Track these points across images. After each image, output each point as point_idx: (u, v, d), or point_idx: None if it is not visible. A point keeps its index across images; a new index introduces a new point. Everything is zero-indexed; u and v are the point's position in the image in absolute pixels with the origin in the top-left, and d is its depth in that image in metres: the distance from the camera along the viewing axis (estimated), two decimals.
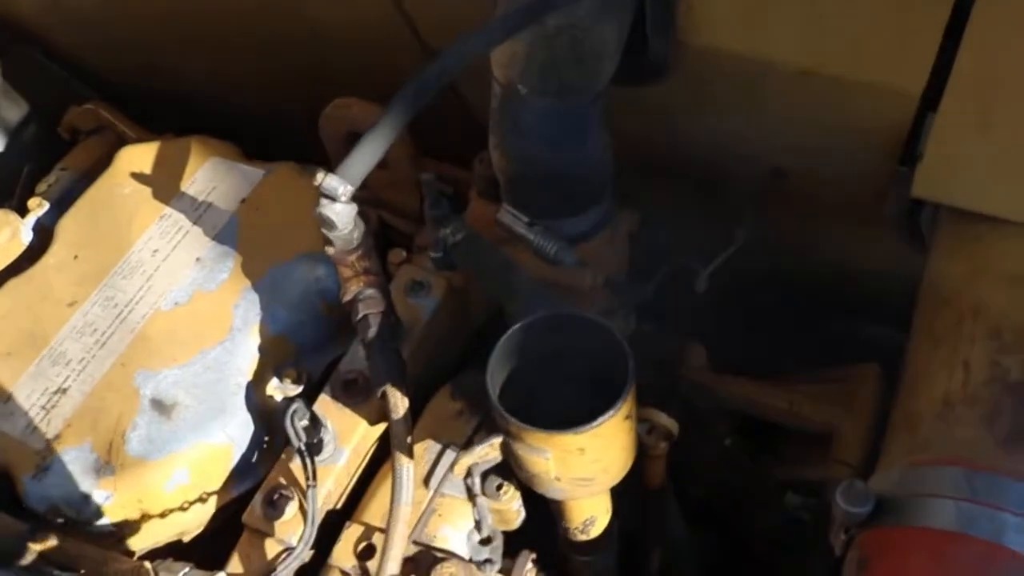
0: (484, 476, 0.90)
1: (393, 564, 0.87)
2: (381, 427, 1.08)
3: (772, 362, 1.49)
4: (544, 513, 1.06)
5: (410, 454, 0.93)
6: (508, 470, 1.00)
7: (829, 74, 0.98)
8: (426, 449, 1.03)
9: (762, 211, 1.26)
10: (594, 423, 0.77)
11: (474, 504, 0.90)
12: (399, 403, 0.94)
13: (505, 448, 0.83)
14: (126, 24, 1.63)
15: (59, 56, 1.83)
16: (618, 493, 1.02)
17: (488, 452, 0.84)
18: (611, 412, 0.77)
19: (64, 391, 1.07)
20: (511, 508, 1.01)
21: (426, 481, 1.01)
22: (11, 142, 1.77)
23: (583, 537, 1.01)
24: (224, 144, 1.29)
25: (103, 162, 1.42)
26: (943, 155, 0.99)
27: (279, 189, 1.22)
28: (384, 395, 0.95)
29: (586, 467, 0.82)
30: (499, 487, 0.99)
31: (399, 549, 0.88)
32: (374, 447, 1.09)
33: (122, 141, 1.55)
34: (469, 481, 0.88)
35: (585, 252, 1.16)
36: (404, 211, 1.38)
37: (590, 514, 0.97)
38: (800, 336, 1.53)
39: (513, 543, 1.03)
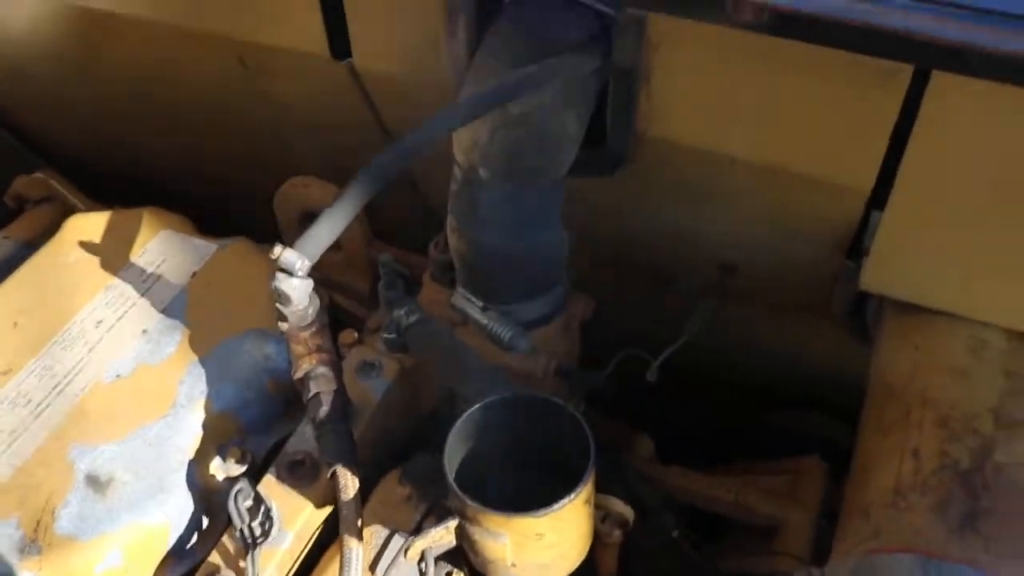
0: (436, 561, 0.87)
1: None
2: (327, 511, 1.04)
3: (718, 454, 1.49)
4: None
5: (359, 536, 0.90)
6: (458, 557, 0.98)
7: (782, 170, 1.01)
8: (373, 534, 0.99)
9: (712, 305, 1.28)
10: (555, 506, 0.75)
11: None
12: (349, 483, 0.92)
13: (460, 532, 0.81)
14: (85, 98, 1.62)
15: (13, 125, 1.81)
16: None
17: (443, 536, 0.81)
18: (572, 495, 0.76)
19: None
20: None
21: (372, 567, 0.97)
22: None
23: None
24: (177, 217, 1.27)
25: (49, 232, 1.39)
26: (889, 250, 1.02)
27: (232, 265, 1.20)
28: (334, 475, 0.93)
29: (543, 553, 0.80)
30: (448, 574, 0.97)
31: None
32: (318, 531, 1.05)
33: (70, 212, 1.52)
34: (422, 565, 0.85)
35: (538, 338, 1.16)
36: (356, 293, 1.38)
37: None
38: (746, 428, 1.54)
39: None
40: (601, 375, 1.22)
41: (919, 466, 0.94)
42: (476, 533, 0.78)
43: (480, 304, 1.11)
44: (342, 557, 0.88)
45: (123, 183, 1.63)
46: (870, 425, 1.02)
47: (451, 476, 0.77)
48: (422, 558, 0.83)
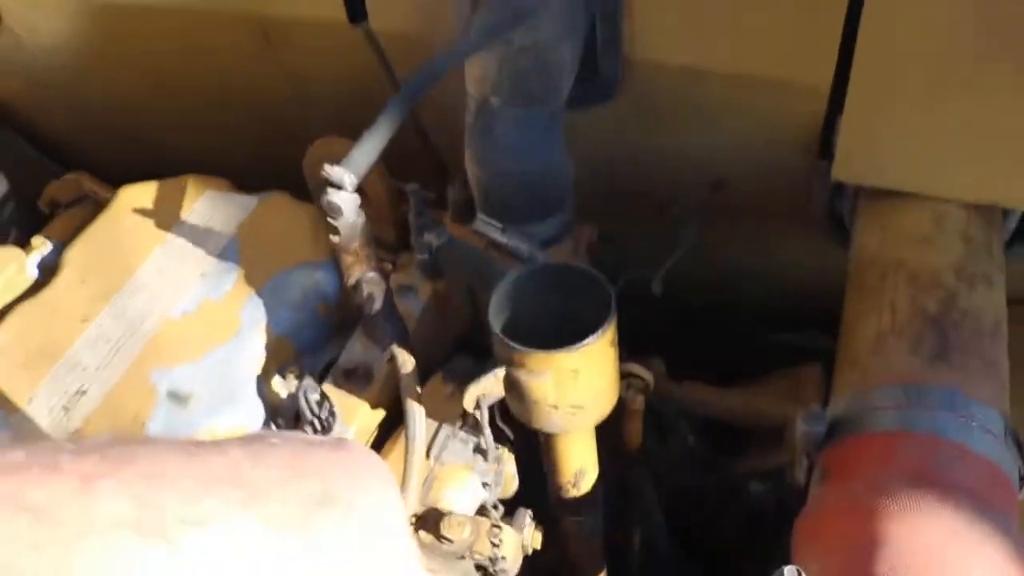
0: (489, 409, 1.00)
1: (410, 501, 0.96)
2: (380, 413, 1.18)
3: (721, 374, 1.62)
4: (538, 480, 1.16)
5: (420, 400, 1.03)
6: (501, 437, 1.11)
7: (753, 77, 1.16)
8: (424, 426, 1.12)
9: (706, 222, 1.43)
10: (586, 341, 0.89)
11: (481, 433, 1.00)
12: (407, 360, 1.05)
13: (507, 380, 0.94)
14: (107, 97, 1.76)
15: (37, 133, 1.95)
16: (603, 451, 1.13)
17: (493, 384, 0.94)
18: (600, 332, 0.90)
19: (83, 392, 1.15)
20: (508, 472, 1.11)
21: (427, 453, 1.11)
22: None
23: (574, 492, 1.11)
24: (218, 180, 1.41)
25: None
26: (853, 140, 1.16)
27: (274, 212, 1.34)
28: (392, 355, 1.06)
29: (580, 391, 0.93)
30: (495, 450, 1.10)
31: (416, 486, 0.97)
32: (375, 432, 1.18)
33: (104, 208, 1.65)
34: (477, 412, 0.98)
35: (551, 256, 1.30)
36: (383, 243, 1.51)
37: (580, 464, 1.08)
38: (745, 349, 1.67)
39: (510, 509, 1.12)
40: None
41: (895, 317, 1.07)
42: (522, 375, 0.91)
43: (499, 225, 1.25)
44: (406, 417, 1.01)
45: (149, 176, 1.76)
46: (852, 294, 1.16)
47: (498, 327, 0.91)
48: (477, 405, 0.96)
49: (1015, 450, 0.96)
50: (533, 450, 1.14)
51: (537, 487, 1.17)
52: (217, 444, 0.48)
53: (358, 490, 0.49)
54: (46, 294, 1.28)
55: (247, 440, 0.49)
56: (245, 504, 0.44)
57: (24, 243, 1.62)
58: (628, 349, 1.57)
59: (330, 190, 1.03)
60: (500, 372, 0.93)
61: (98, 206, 1.73)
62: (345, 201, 1.04)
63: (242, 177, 1.52)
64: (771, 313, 1.64)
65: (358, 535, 0.47)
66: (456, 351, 1.33)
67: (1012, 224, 1.24)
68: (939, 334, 1.04)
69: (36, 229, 1.71)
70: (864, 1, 1.03)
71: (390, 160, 1.31)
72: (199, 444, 0.47)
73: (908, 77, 1.08)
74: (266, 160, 1.56)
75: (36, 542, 0.37)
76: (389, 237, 1.50)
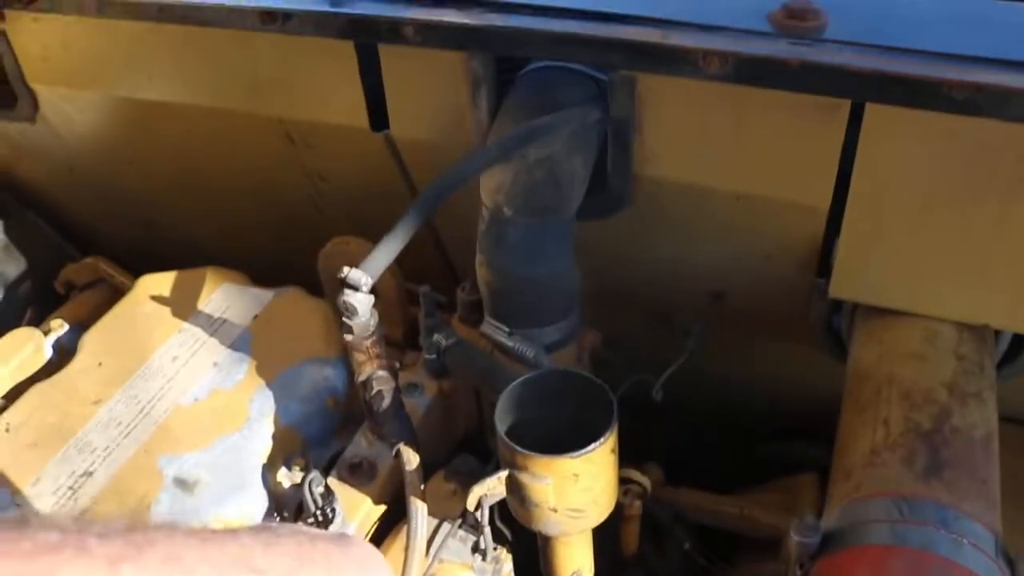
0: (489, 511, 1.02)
1: None
2: (382, 508, 1.20)
3: (719, 479, 1.64)
4: None
5: (423, 498, 1.05)
6: (499, 536, 1.13)
7: (754, 196, 1.22)
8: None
9: (707, 332, 1.47)
10: (588, 448, 0.92)
11: (481, 533, 1.02)
12: (412, 457, 1.08)
13: (509, 482, 0.97)
14: (129, 182, 1.82)
15: (60, 217, 2.01)
16: (600, 555, 1.14)
17: (496, 485, 0.97)
18: (602, 439, 0.93)
19: (90, 474, 1.17)
20: (505, 571, 1.13)
21: (426, 550, 1.12)
22: (8, 295, 1.91)
23: None
24: (235, 272, 1.46)
25: (98, 314, 1.57)
26: (850, 261, 1.22)
27: (288, 307, 1.39)
28: (398, 453, 1.08)
29: (579, 496, 0.96)
30: (494, 550, 1.12)
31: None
32: (375, 526, 1.20)
33: (119, 294, 1.69)
34: (478, 513, 1.00)
35: (555, 361, 1.33)
36: (391, 341, 1.55)
37: (577, 566, 1.09)
38: (742, 456, 1.69)
39: None
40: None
41: (889, 431, 1.11)
42: (524, 478, 0.94)
43: (506, 329, 1.29)
44: (408, 514, 1.03)
45: (166, 266, 1.81)
46: (848, 408, 1.20)
47: (503, 429, 0.94)
48: (478, 505, 0.98)
49: (1006, 567, 0.98)
50: (531, 550, 1.15)
51: None
52: (230, 532, 0.51)
53: None
54: (61, 375, 1.31)
55: (257, 529, 0.53)
56: None
57: (38, 322, 1.67)
58: (627, 454, 1.60)
59: (347, 291, 1.07)
60: (503, 474, 0.96)
61: (114, 290, 1.78)
62: (360, 302, 1.08)
63: (258, 270, 1.57)
64: (769, 422, 1.67)
65: None
66: (459, 450, 1.35)
67: (1003, 345, 1.28)
68: (931, 450, 1.06)
69: (51, 309, 1.76)
70: (860, 130, 1.10)
71: (402, 260, 1.36)
72: (213, 531, 0.50)
73: (901, 202, 1.14)
74: (283, 254, 1.61)
75: None
76: (397, 335, 1.54)
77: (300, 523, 1.15)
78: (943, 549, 0.95)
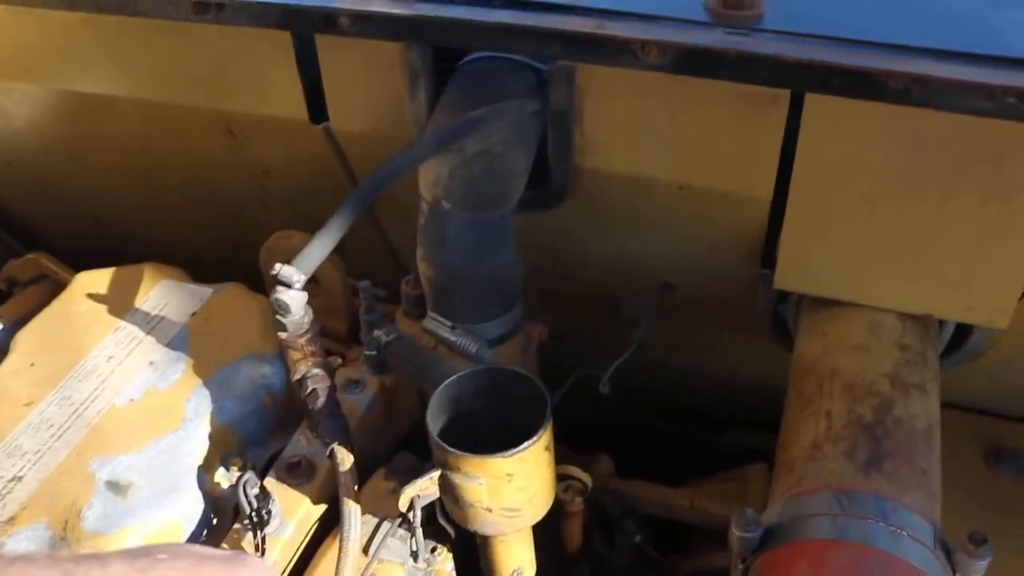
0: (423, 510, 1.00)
1: None
2: (322, 508, 1.17)
3: (669, 470, 1.63)
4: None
5: (357, 500, 1.03)
6: (442, 534, 1.11)
7: (697, 187, 1.21)
8: (363, 523, 1.12)
9: (655, 323, 1.46)
10: (521, 447, 0.90)
11: (412, 534, 1.00)
12: (346, 458, 1.06)
13: (442, 482, 0.95)
14: (70, 176, 1.78)
15: (1, 213, 1.96)
16: (542, 551, 1.13)
17: (428, 486, 0.95)
18: (535, 438, 0.91)
19: (19, 479, 1.13)
20: (444, 570, 1.11)
21: (365, 550, 1.10)
22: None
23: None
24: (174, 268, 1.43)
25: (41, 309, 1.53)
26: (793, 252, 1.21)
27: (226, 304, 1.35)
28: (332, 453, 1.06)
29: (514, 495, 0.94)
30: (433, 550, 1.10)
31: None
32: (315, 526, 1.17)
33: (62, 289, 1.65)
34: (410, 514, 0.98)
35: (500, 355, 1.32)
36: (335, 335, 1.52)
37: (517, 564, 1.08)
38: (692, 447, 1.69)
39: None
40: (557, 394, 1.38)
41: (831, 424, 1.10)
42: (456, 478, 0.92)
43: (449, 324, 1.27)
44: (342, 516, 1.01)
45: (109, 259, 1.78)
46: (792, 401, 1.19)
47: (435, 430, 0.92)
48: (411, 506, 0.96)
49: (944, 558, 0.98)
50: (474, 548, 1.14)
51: None
52: (97, 559, 0.48)
53: None
54: None
55: (133, 554, 0.50)
56: None
57: None
58: (576, 446, 1.59)
59: (279, 288, 1.05)
60: (435, 474, 0.94)
61: (57, 286, 1.74)
62: (293, 299, 1.06)
63: (202, 263, 1.54)
64: (719, 413, 1.66)
65: None
66: (402, 446, 1.33)
67: (947, 334, 1.27)
68: (873, 442, 1.06)
69: None
70: (801, 121, 1.09)
71: (348, 254, 1.34)
72: (78, 560, 0.47)
73: (843, 193, 1.13)
74: (226, 248, 1.58)
75: None
76: (342, 329, 1.52)
77: (237, 527, 1.12)
78: (883, 543, 0.95)
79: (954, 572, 0.98)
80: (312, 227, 1.42)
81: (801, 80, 1.04)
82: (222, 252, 1.62)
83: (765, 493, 1.49)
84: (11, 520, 1.10)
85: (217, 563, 0.52)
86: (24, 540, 1.07)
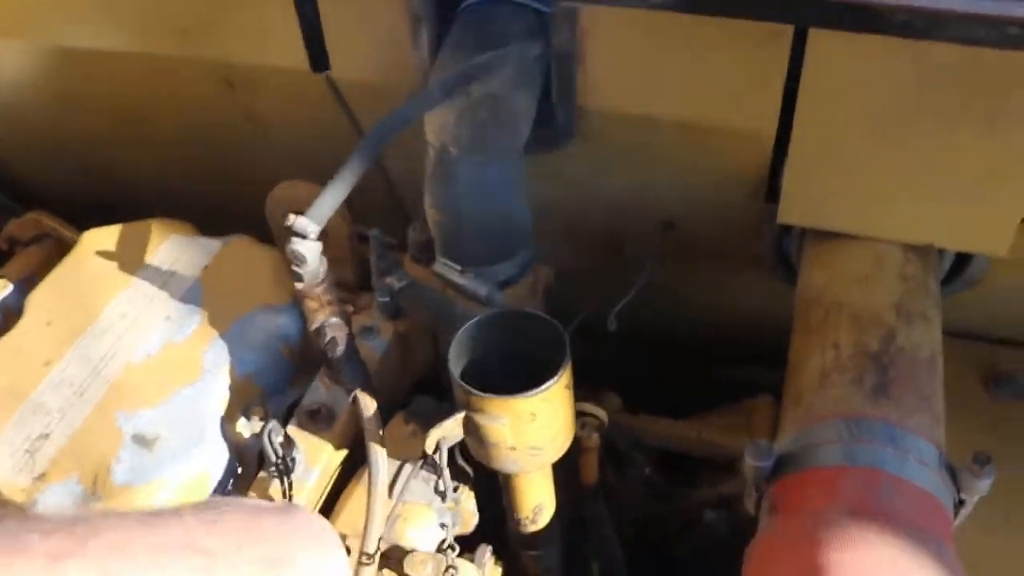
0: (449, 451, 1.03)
1: (373, 540, 0.99)
2: (343, 453, 1.20)
3: (675, 405, 1.67)
4: (496, 515, 1.19)
5: (383, 444, 1.06)
6: (462, 474, 1.14)
7: (700, 124, 1.22)
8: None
9: (659, 261, 1.48)
10: (543, 386, 0.93)
11: (440, 475, 1.03)
12: (369, 403, 1.08)
13: (466, 423, 0.98)
14: (68, 129, 1.77)
15: None
16: (560, 487, 1.17)
17: (453, 427, 0.98)
18: (556, 377, 0.93)
19: (46, 436, 1.15)
20: (467, 509, 1.15)
21: (389, 492, 1.13)
22: None
23: (532, 528, 1.14)
24: (182, 223, 1.43)
25: (43, 269, 1.54)
26: (796, 185, 1.22)
27: (237, 256, 1.37)
28: (355, 399, 1.09)
29: (537, 434, 0.97)
30: (455, 489, 1.13)
31: (379, 525, 1.00)
32: (337, 472, 1.20)
33: (64, 247, 1.65)
34: (436, 455, 1.01)
35: (509, 297, 1.34)
36: (344, 284, 1.54)
37: (538, 500, 1.11)
38: (698, 382, 1.72)
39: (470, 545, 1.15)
40: (567, 331, 1.40)
41: (838, 354, 1.13)
42: (480, 419, 0.95)
43: (458, 268, 1.29)
44: (369, 461, 1.04)
45: (110, 217, 1.78)
46: (798, 332, 1.22)
47: (457, 373, 0.95)
48: (437, 448, 0.99)
49: (949, 480, 1.02)
50: (493, 486, 1.17)
51: (497, 521, 1.20)
52: (173, 512, 0.51)
53: (307, 553, 0.53)
54: (9, 337, 1.28)
55: (200, 507, 0.52)
56: (204, 570, 0.47)
57: None
58: (584, 384, 1.62)
59: (294, 239, 1.06)
60: (460, 415, 0.97)
61: (58, 244, 1.74)
62: (309, 250, 1.07)
63: (205, 216, 1.54)
64: (724, 348, 1.69)
65: None
66: (417, 390, 1.36)
67: (947, 263, 1.30)
68: (879, 369, 1.09)
69: None
70: (805, 53, 1.09)
71: (352, 202, 1.34)
72: (156, 514, 0.50)
73: (846, 126, 1.14)
74: (229, 200, 1.58)
75: None
76: (350, 278, 1.53)
77: (262, 475, 1.15)
78: (890, 467, 0.99)
79: (958, 491, 1.02)
80: (315, 176, 1.42)
81: (804, 15, 1.05)
82: (225, 204, 1.62)
83: (770, 424, 1.54)
84: (42, 476, 1.12)
85: (275, 514, 0.54)
86: (57, 495, 1.10)
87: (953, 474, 1.03)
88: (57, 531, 0.44)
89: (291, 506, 0.56)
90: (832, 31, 1.06)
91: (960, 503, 1.03)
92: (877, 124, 1.13)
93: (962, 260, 1.30)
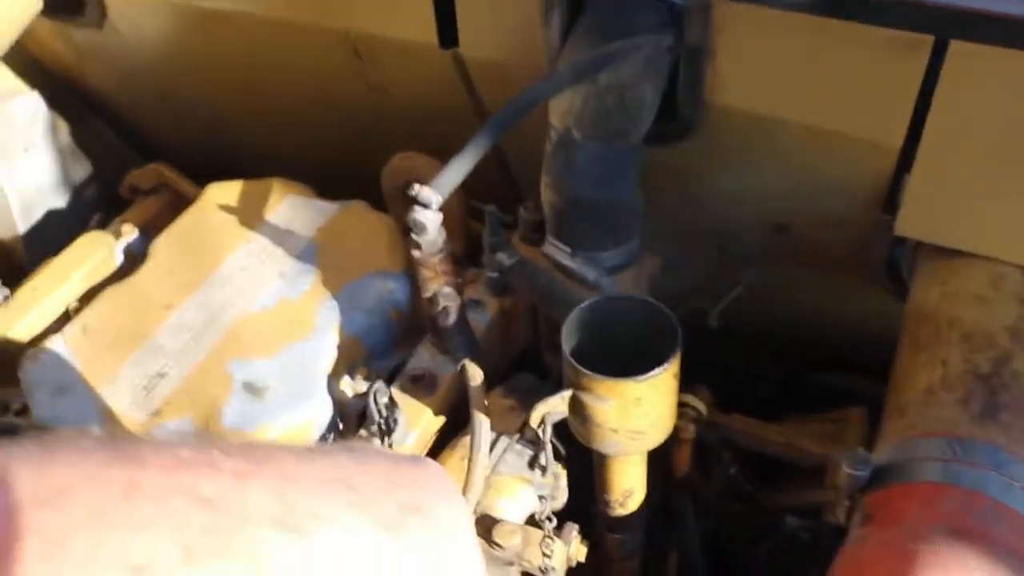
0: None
1: (472, 501, 1.02)
2: (442, 420, 1.23)
3: (768, 410, 1.66)
4: (582, 499, 1.21)
5: (487, 414, 1.09)
6: (558, 452, 1.16)
7: (826, 130, 1.21)
8: None
9: (766, 263, 1.47)
10: (653, 372, 0.94)
11: (542, 450, 1.05)
12: (476, 373, 1.11)
13: (572, 402, 1.00)
14: (195, 89, 1.84)
15: (125, 122, 2.04)
16: (650, 472, 1.18)
17: (559, 404, 1.00)
18: (667, 364, 0.95)
19: (163, 375, 1.21)
20: (561, 486, 1.17)
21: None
22: (75, 199, 1.96)
23: (620, 511, 1.16)
24: (301, 185, 1.48)
25: (161, 218, 1.61)
26: (919, 199, 1.21)
27: (353, 220, 1.41)
28: (463, 368, 1.12)
29: (640, 419, 0.98)
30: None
31: (478, 491, 1.03)
32: (435, 438, 1.24)
33: (181, 199, 1.72)
34: (540, 429, 1.03)
35: (616, 283, 1.35)
36: (452, 257, 1.57)
37: (630, 485, 1.13)
38: (792, 386, 1.71)
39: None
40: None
41: (946, 372, 1.11)
42: (587, 399, 0.96)
43: (569, 250, 1.30)
44: (473, 428, 1.07)
45: (228, 173, 1.84)
46: (905, 346, 1.20)
47: (569, 349, 0.97)
48: (542, 422, 1.01)
49: None
50: (581, 467, 1.19)
51: (582, 501, 1.22)
52: (327, 451, 0.54)
53: (439, 503, 0.55)
54: (134, 280, 1.35)
55: (349, 448, 0.56)
56: (358, 505, 0.50)
57: (104, 226, 1.71)
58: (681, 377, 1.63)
59: (417, 208, 1.09)
60: (567, 393, 0.98)
61: (176, 195, 1.81)
62: (430, 220, 1.10)
63: (320, 181, 1.59)
64: (823, 355, 1.68)
65: (437, 541, 0.54)
66: (515, 367, 1.39)
67: None
68: (988, 393, 1.07)
69: (115, 214, 1.80)
70: (941, 66, 1.08)
71: (466, 178, 1.37)
72: (312, 450, 0.54)
73: (977, 143, 1.12)
74: (346, 169, 1.63)
75: (209, 528, 0.43)
76: (457, 250, 1.56)
77: (362, 433, 1.19)
78: (995, 491, 0.97)
79: None
80: (431, 150, 1.46)
81: (945, 26, 1.03)
82: (340, 171, 1.67)
83: (863, 436, 1.53)
84: (157, 413, 1.18)
85: (411, 464, 0.57)
86: (170, 433, 1.16)
87: None
88: (237, 453, 0.47)
89: (424, 459, 0.59)
90: (973, 44, 1.04)
91: None
92: (1010, 143, 1.11)
93: None
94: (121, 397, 1.20)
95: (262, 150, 1.88)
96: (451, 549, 0.56)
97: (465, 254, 1.52)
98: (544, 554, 1.05)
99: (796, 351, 1.67)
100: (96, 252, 1.47)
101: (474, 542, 0.58)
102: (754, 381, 1.70)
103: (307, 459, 0.51)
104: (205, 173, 1.81)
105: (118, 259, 1.48)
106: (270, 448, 0.50)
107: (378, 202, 1.53)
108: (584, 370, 0.95)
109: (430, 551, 0.54)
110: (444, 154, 1.12)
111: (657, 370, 0.94)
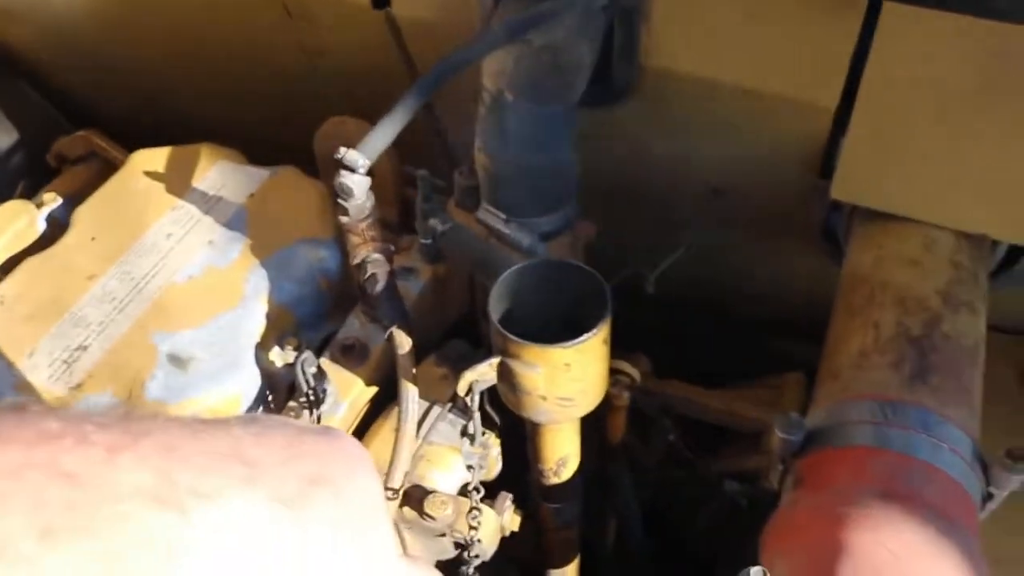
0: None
1: (398, 476, 1.00)
2: (374, 390, 1.21)
3: (705, 375, 1.66)
4: (516, 468, 1.20)
5: (415, 382, 1.06)
6: (488, 420, 1.14)
7: (760, 92, 1.19)
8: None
9: (704, 227, 1.46)
10: (581, 338, 0.92)
11: (470, 418, 1.04)
12: (404, 341, 1.08)
13: (501, 369, 0.98)
14: (123, 51, 1.77)
15: (51, 86, 1.96)
16: (586, 443, 1.17)
17: (487, 371, 0.98)
18: (595, 331, 0.93)
19: (85, 348, 1.17)
20: (493, 455, 1.15)
21: (416, 431, 1.14)
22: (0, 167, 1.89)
23: (555, 480, 1.15)
24: (230, 150, 1.44)
25: (90, 187, 1.55)
26: (853, 163, 1.20)
27: (283, 186, 1.37)
28: (391, 335, 1.09)
29: (569, 385, 0.97)
30: (483, 434, 1.14)
31: (405, 461, 1.01)
32: (366, 408, 1.21)
33: (112, 168, 1.67)
34: (468, 398, 1.01)
35: (551, 249, 1.33)
36: (385, 224, 1.54)
37: (563, 453, 1.11)
38: (730, 352, 1.71)
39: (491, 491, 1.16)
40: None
41: (879, 335, 1.11)
42: (515, 366, 0.95)
43: (503, 216, 1.28)
44: (400, 397, 1.04)
45: (160, 142, 1.79)
46: (840, 310, 1.20)
47: (496, 317, 0.94)
48: (469, 390, 0.99)
49: (980, 472, 1.00)
50: (517, 436, 1.18)
51: (518, 471, 1.20)
52: (221, 422, 0.51)
53: (347, 475, 0.53)
54: (55, 250, 1.30)
55: (246, 420, 0.53)
56: (249, 480, 0.47)
57: (30, 195, 1.65)
58: (616, 345, 1.61)
59: (343, 172, 1.06)
60: (495, 360, 0.97)
61: (106, 164, 1.76)
62: (357, 184, 1.07)
63: (252, 145, 1.54)
64: (759, 320, 1.68)
65: (345, 515, 0.51)
66: (449, 335, 1.36)
67: (999, 255, 1.27)
68: (919, 355, 1.07)
69: (42, 182, 1.74)
70: (875, 28, 1.07)
71: (398, 143, 1.34)
72: (204, 422, 0.51)
73: (911, 105, 1.11)
74: (277, 130, 1.58)
75: (71, 503, 0.40)
76: (392, 217, 1.53)
77: (292, 404, 1.16)
78: (924, 453, 0.97)
79: (988, 485, 1.01)
80: (364, 113, 1.42)
81: None
82: (273, 134, 1.63)
83: (800, 401, 1.53)
84: (79, 386, 1.14)
85: (317, 434, 0.54)
86: (91, 407, 1.12)
87: (985, 467, 1.01)
88: (112, 426, 0.44)
89: (332, 429, 0.56)
90: (907, 5, 1.02)
91: (988, 497, 1.02)
92: (943, 106, 1.10)
93: (1013, 256, 1.27)
94: (40, 371, 1.16)
95: (198, 116, 1.82)
96: (361, 521, 0.53)
97: (400, 221, 1.49)
98: (471, 525, 1.03)
99: (735, 316, 1.67)
100: (16, 221, 1.42)
101: (387, 513, 0.56)
102: (692, 348, 1.69)
103: (196, 432, 0.48)
104: (140, 142, 1.76)
105: (40, 228, 1.42)
106: (155, 421, 0.47)
107: (314, 168, 1.49)
108: (511, 336, 0.93)
109: (340, 524, 0.51)
110: (377, 118, 1.09)
111: (586, 335, 0.93)
